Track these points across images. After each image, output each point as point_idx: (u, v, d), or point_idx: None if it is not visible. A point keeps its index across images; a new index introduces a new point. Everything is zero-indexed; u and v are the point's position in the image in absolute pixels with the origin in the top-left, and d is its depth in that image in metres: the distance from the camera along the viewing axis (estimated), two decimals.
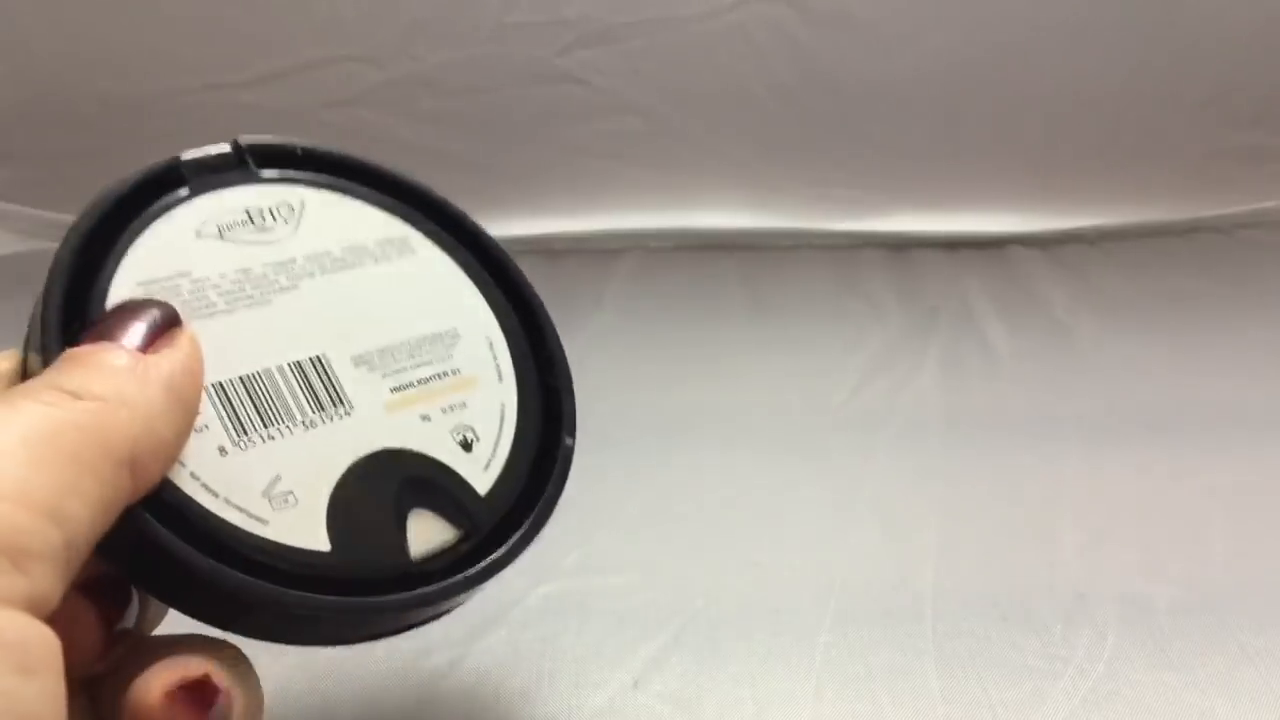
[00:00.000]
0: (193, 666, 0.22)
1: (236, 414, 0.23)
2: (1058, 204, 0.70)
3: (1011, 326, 0.59)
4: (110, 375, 0.20)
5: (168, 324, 0.22)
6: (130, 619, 0.23)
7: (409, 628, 0.25)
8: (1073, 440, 0.49)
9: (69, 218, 0.24)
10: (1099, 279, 0.65)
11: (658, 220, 0.69)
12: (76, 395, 0.19)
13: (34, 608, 0.17)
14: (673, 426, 0.49)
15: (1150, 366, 0.56)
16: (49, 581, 0.17)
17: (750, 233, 0.69)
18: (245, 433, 0.23)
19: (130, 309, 0.22)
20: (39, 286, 0.23)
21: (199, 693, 0.22)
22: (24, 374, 0.23)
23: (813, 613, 0.38)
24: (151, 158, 0.26)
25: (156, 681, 0.22)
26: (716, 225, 0.69)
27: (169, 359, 0.21)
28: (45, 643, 0.17)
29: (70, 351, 0.21)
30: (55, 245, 0.24)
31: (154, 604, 0.24)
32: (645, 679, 0.35)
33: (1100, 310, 0.61)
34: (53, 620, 0.18)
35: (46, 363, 0.21)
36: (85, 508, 0.18)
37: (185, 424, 0.21)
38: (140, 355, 0.21)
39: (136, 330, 0.21)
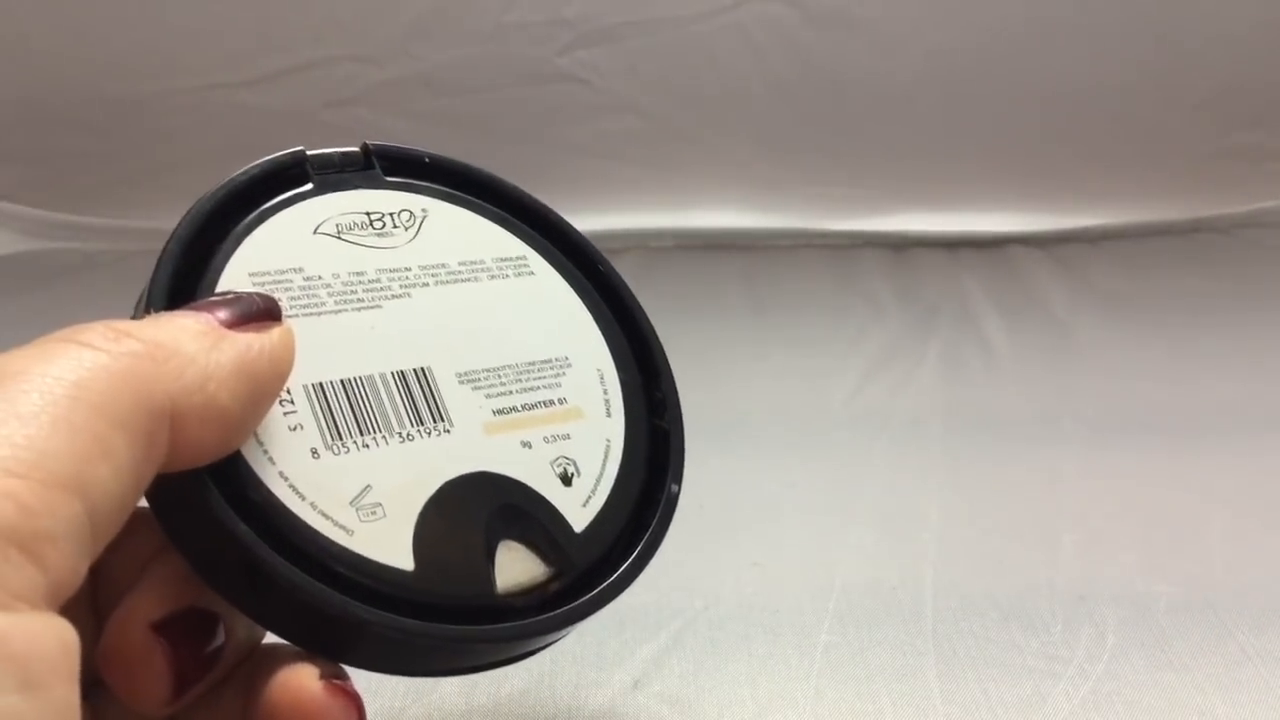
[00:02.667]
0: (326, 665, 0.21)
1: (333, 417, 0.22)
2: (1058, 204, 0.70)
3: (1011, 326, 0.59)
4: (172, 328, 0.19)
5: (263, 314, 0.21)
6: (210, 649, 0.21)
7: (481, 667, 0.24)
8: (1073, 440, 0.49)
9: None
10: (1099, 279, 0.65)
11: (658, 220, 0.69)
12: (126, 334, 0.18)
13: (51, 597, 0.16)
14: None
15: (1150, 366, 0.56)
16: (69, 562, 0.16)
17: (750, 232, 0.69)
18: (340, 437, 0.22)
19: (231, 295, 0.21)
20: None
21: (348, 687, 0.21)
22: None
23: (813, 613, 0.38)
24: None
25: (307, 674, 0.21)
26: (716, 225, 0.69)
27: (248, 337, 0.20)
28: (59, 644, 0.16)
29: (160, 313, 0.20)
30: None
31: (242, 628, 0.22)
32: (645, 679, 0.35)
33: (1100, 310, 0.61)
34: (76, 603, 0.16)
35: None
36: (113, 470, 0.17)
37: (252, 401, 0.20)
38: (218, 325, 0.19)
39: (227, 310, 0.20)
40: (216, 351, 0.19)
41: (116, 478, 0.17)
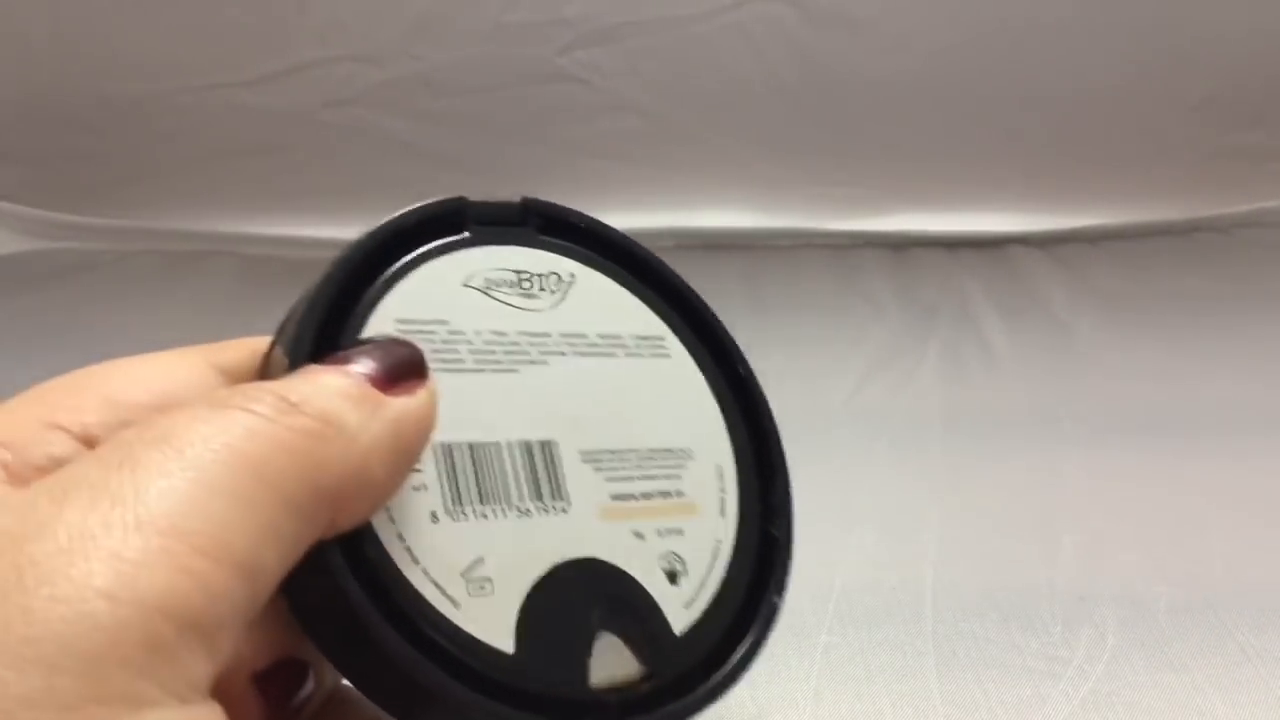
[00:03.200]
0: None
1: (457, 481, 0.22)
2: (1058, 204, 0.70)
3: (1011, 326, 0.59)
4: (334, 396, 0.18)
5: (413, 371, 0.20)
6: (301, 699, 0.21)
7: None
8: (1072, 440, 0.49)
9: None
10: (1099, 279, 0.65)
11: (658, 220, 0.69)
12: (293, 406, 0.17)
13: (213, 684, 0.15)
14: None
15: (1150, 366, 0.56)
16: (233, 647, 0.16)
17: (750, 232, 0.69)
18: (460, 504, 0.21)
19: (381, 345, 0.21)
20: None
21: None
22: (263, 367, 0.22)
23: (813, 614, 0.38)
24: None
25: None
26: (717, 225, 0.69)
27: (403, 404, 0.19)
28: None
29: (307, 366, 0.20)
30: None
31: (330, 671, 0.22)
32: None
33: (1100, 310, 0.61)
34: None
35: (292, 368, 0.20)
36: (279, 554, 0.16)
37: (401, 472, 0.20)
38: (372, 388, 0.19)
39: (379, 365, 0.20)
40: (375, 422, 0.19)
41: (279, 560, 0.17)
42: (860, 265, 0.66)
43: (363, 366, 0.19)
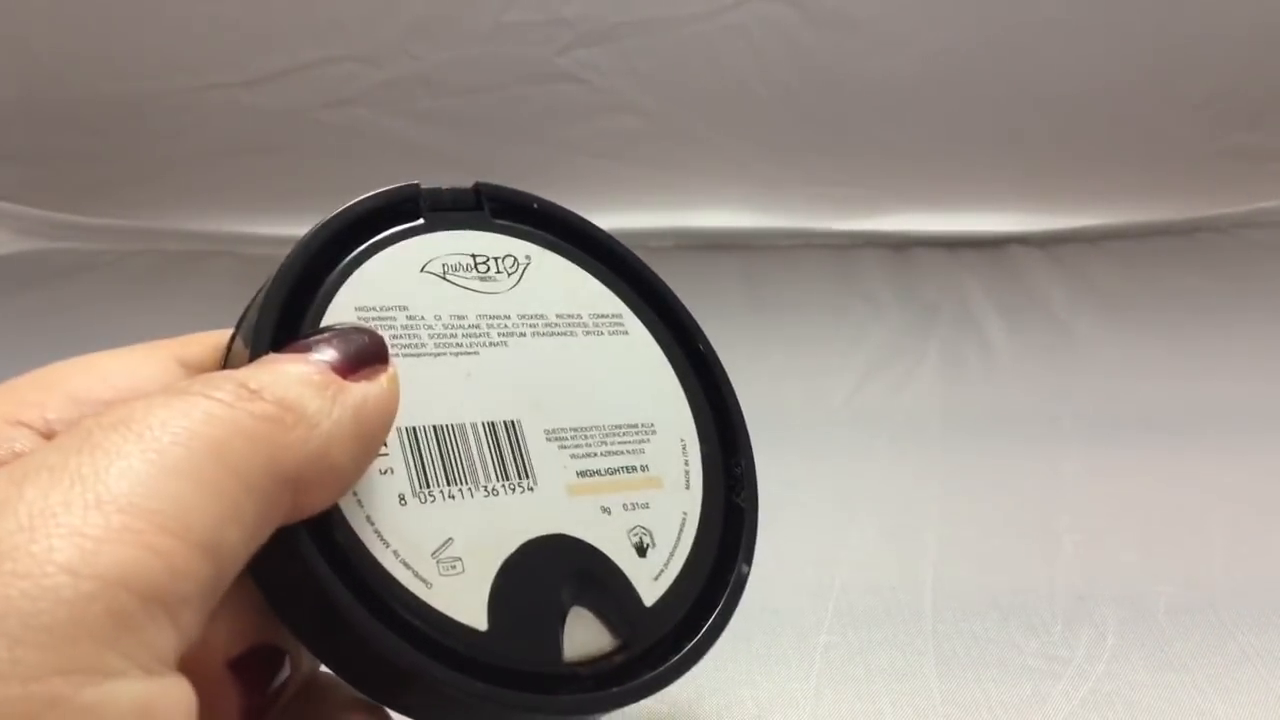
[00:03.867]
0: None
1: (423, 463, 0.22)
2: (1058, 204, 0.70)
3: (1011, 326, 0.59)
4: (295, 383, 0.19)
5: (374, 357, 0.21)
6: (276, 685, 0.21)
7: None
8: (1073, 440, 0.49)
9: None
10: (1099, 279, 0.65)
11: (658, 220, 0.69)
12: (253, 393, 0.18)
13: (179, 659, 0.16)
14: None
15: (1150, 366, 0.56)
16: (197, 623, 0.16)
17: (750, 232, 0.69)
18: (428, 486, 0.22)
19: (341, 333, 0.21)
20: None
21: None
22: (224, 359, 0.22)
23: (813, 613, 0.38)
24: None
25: None
26: (716, 225, 0.69)
27: (364, 389, 0.20)
28: (187, 706, 0.16)
29: (268, 355, 0.20)
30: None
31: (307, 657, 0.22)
32: None
33: (1100, 310, 0.61)
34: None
35: (253, 358, 0.20)
36: (242, 535, 0.17)
37: (364, 458, 0.20)
38: (334, 375, 0.19)
39: (339, 353, 0.20)
40: (336, 408, 0.19)
41: (243, 541, 0.17)
42: (860, 265, 0.66)
43: (324, 354, 0.20)
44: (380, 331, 0.22)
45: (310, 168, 0.68)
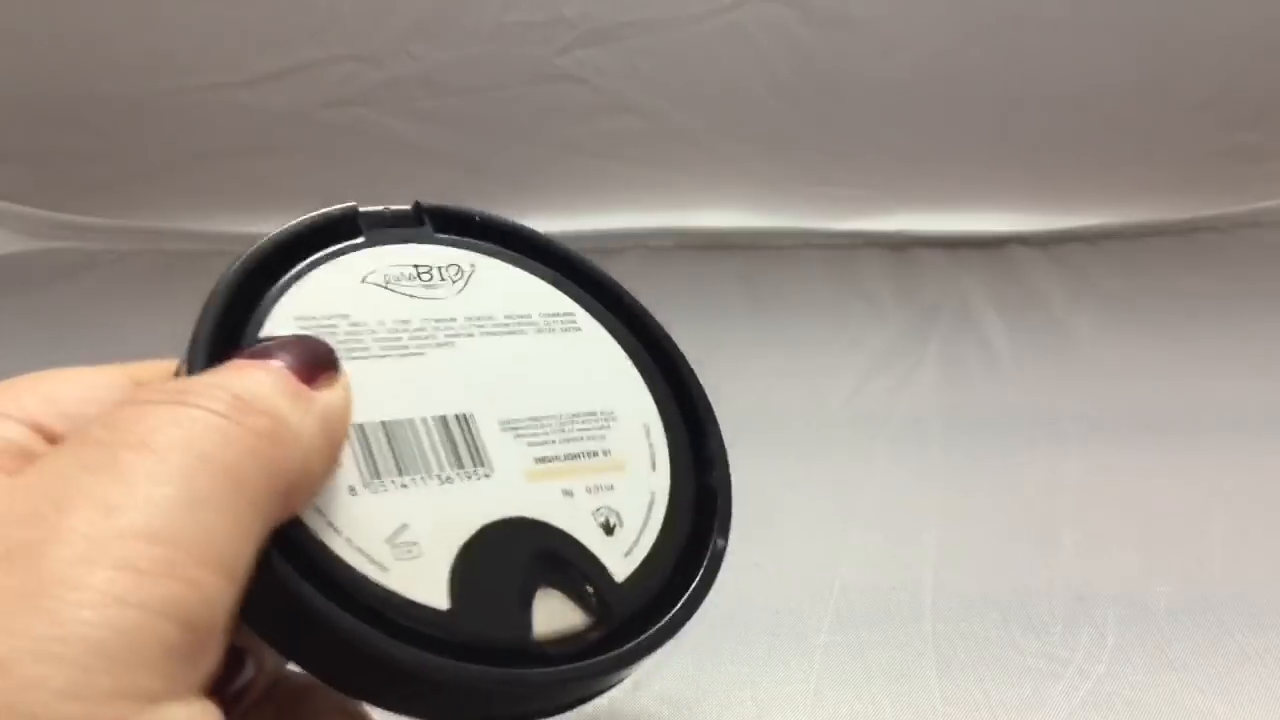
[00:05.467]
0: None
1: (373, 457, 0.22)
2: (1058, 204, 0.70)
3: (1011, 326, 0.59)
4: (274, 393, 0.19)
5: (327, 363, 0.21)
6: (240, 683, 0.22)
7: (518, 716, 0.23)
8: (1073, 440, 0.49)
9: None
10: (1099, 279, 0.65)
11: (658, 220, 0.69)
12: (248, 405, 0.18)
13: (206, 681, 0.16)
14: None
15: (1150, 366, 0.56)
16: (220, 650, 0.17)
17: (750, 232, 0.69)
18: (378, 476, 0.22)
19: (291, 341, 0.21)
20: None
21: None
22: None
23: (813, 613, 0.38)
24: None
25: None
26: (716, 225, 0.69)
27: (325, 395, 0.20)
28: None
29: (233, 361, 0.20)
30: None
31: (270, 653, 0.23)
32: (645, 680, 0.35)
33: (1100, 310, 0.61)
34: None
35: (190, 373, 0.21)
36: (251, 551, 0.17)
37: (332, 464, 0.20)
38: (300, 384, 0.20)
39: (297, 360, 0.20)
40: (309, 418, 0.19)
41: (251, 557, 0.17)
42: (860, 265, 0.66)
43: (283, 361, 0.20)
44: (324, 339, 0.22)
45: (310, 168, 0.68)
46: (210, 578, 0.16)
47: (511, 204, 0.66)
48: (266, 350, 0.20)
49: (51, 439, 0.19)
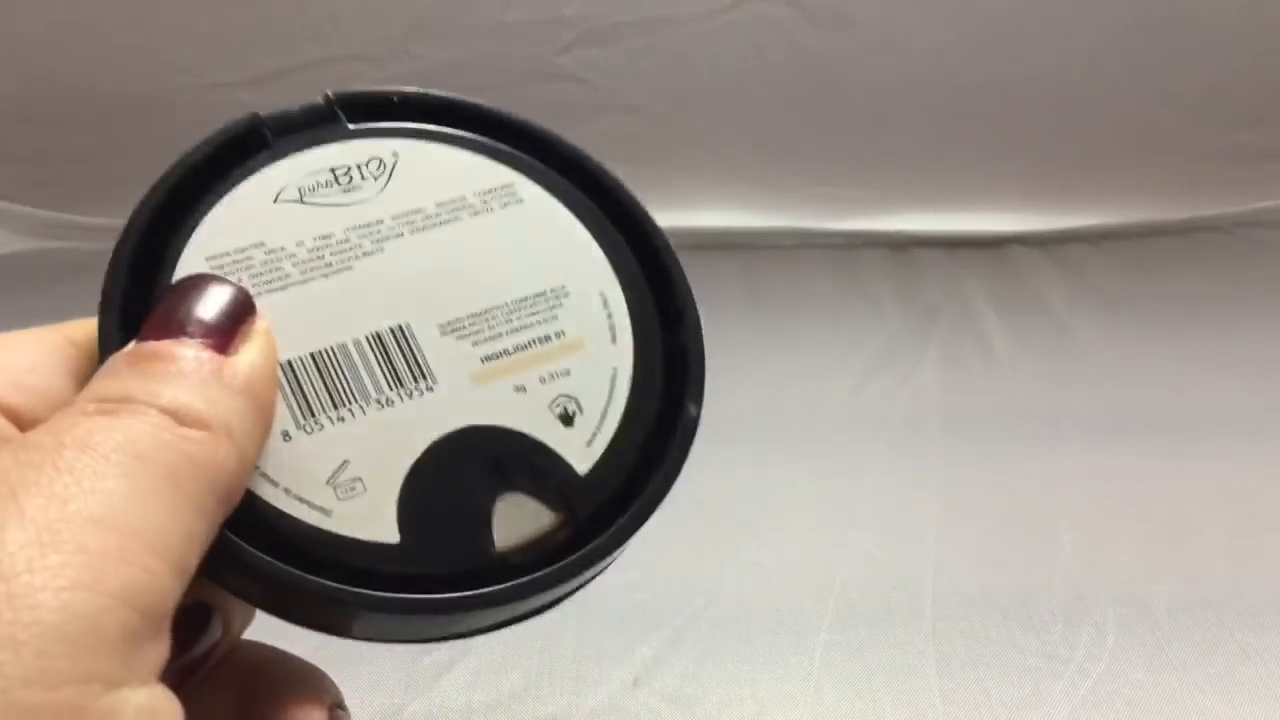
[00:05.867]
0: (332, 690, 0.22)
1: (305, 395, 0.21)
2: (1058, 204, 0.70)
3: (1011, 326, 0.59)
4: (199, 390, 0.18)
5: (242, 310, 0.20)
6: (207, 643, 0.22)
7: (498, 626, 0.22)
8: (1072, 440, 0.49)
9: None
10: (1099, 279, 0.65)
11: (657, 220, 0.69)
12: (179, 419, 0.18)
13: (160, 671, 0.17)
14: None
15: (1150, 366, 0.56)
16: (168, 639, 0.17)
17: (750, 232, 0.69)
18: (313, 415, 0.21)
19: (198, 293, 0.20)
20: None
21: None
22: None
23: (813, 613, 0.38)
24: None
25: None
26: (716, 225, 0.69)
27: (248, 360, 0.19)
28: (178, 715, 0.17)
29: (146, 348, 0.19)
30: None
31: (239, 612, 0.23)
32: (645, 677, 0.35)
33: (1100, 310, 0.61)
34: None
35: (104, 334, 0.20)
36: (197, 554, 0.17)
37: (265, 434, 0.20)
38: (219, 357, 0.19)
39: (210, 321, 0.19)
40: (235, 398, 0.19)
41: (197, 559, 0.17)
42: (860, 265, 0.66)
43: (195, 329, 0.19)
44: (237, 274, 0.21)
45: None
46: (162, 568, 0.16)
47: None
48: (177, 319, 0.19)
49: (8, 412, 0.19)
